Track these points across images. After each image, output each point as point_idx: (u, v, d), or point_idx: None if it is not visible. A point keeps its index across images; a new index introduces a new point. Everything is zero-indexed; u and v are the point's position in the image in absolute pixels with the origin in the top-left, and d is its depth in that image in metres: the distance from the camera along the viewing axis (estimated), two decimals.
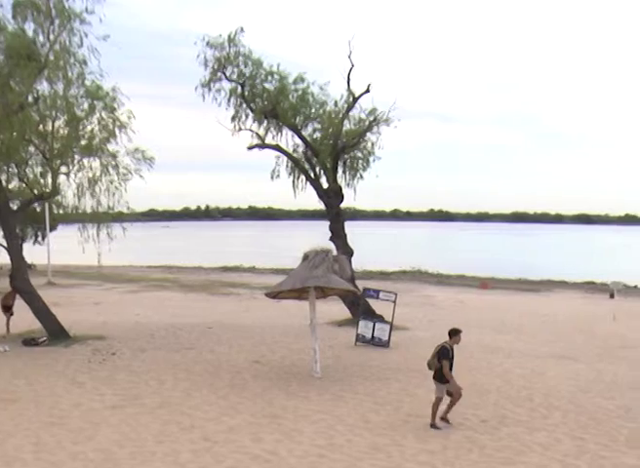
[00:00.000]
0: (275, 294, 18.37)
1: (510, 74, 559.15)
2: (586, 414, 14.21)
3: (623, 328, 28.76)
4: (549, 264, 71.65)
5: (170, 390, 15.23)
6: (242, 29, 25.67)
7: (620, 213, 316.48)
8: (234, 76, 26.11)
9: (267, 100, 26.27)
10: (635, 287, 54.49)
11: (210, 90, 26.04)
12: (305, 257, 17.42)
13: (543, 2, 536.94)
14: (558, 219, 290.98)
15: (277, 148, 27.26)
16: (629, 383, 17.49)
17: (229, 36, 25.59)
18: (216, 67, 25.85)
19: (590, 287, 54.62)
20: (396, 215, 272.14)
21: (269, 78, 26.37)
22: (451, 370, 13.06)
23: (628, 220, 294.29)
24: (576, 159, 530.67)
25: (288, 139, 27.27)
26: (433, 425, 12.90)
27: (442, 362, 12.95)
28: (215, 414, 13.30)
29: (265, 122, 26.85)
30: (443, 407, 13.25)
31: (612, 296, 44.20)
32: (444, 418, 13.19)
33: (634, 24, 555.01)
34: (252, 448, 11.34)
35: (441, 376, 13.01)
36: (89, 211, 22.66)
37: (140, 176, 22.54)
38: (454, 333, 13.51)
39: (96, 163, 22.17)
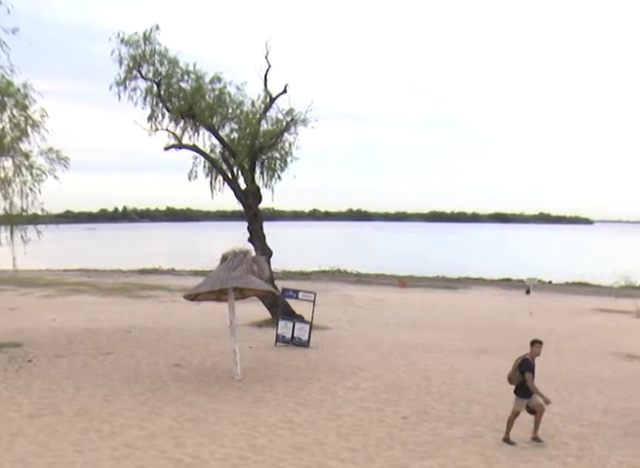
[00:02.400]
0: (194, 296, 18.19)
1: (429, 77, 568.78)
2: (505, 407, 14.47)
3: (539, 322, 29.60)
4: (467, 262, 73.06)
5: (88, 397, 14.86)
6: (157, 27, 25.31)
7: (535, 211, 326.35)
8: (150, 75, 25.68)
9: (184, 100, 25.93)
10: (550, 282, 56.13)
11: (125, 88, 25.55)
12: (224, 259, 17.30)
13: (462, 6, 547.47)
14: (475, 218, 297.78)
15: (194, 149, 26.96)
16: (545, 376, 17.87)
17: (145, 34, 25.16)
18: (131, 65, 25.36)
19: (507, 283, 56.02)
20: (315, 215, 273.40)
21: (185, 77, 26.04)
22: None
23: (542, 219, 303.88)
24: (492, 160, 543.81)
25: (205, 140, 27.02)
26: (507, 440, 12.14)
27: (526, 375, 12.10)
28: (135, 420, 13.05)
29: (182, 122, 26.50)
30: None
31: (527, 292, 45.25)
32: (535, 438, 12.25)
33: (548, 32, 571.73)
34: (174, 452, 11.18)
35: (522, 391, 12.22)
36: (1, 213, 21.85)
37: (55, 177, 21.82)
38: (533, 344, 12.62)
39: (8, 163, 21.39)
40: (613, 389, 16.76)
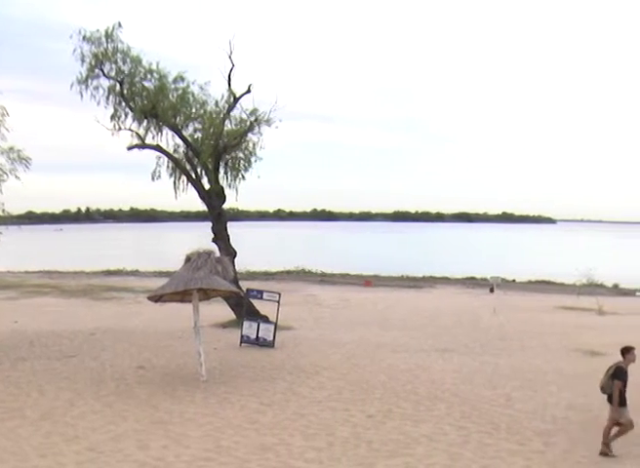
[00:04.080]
0: (158, 298, 18.04)
1: (394, 77, 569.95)
2: (470, 405, 14.67)
3: (503, 320, 29.87)
4: (431, 261, 73.51)
5: (52, 400, 14.65)
6: (120, 24, 25.03)
7: (498, 211, 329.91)
8: (112, 73, 25.40)
9: (147, 99, 25.68)
10: (513, 281, 56.75)
11: (87, 87, 25.26)
12: (188, 259, 17.19)
13: (427, 7, 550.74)
14: (439, 218, 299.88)
15: (158, 148, 26.73)
16: (509, 373, 18.21)
17: (106, 31, 24.84)
18: (93, 63, 25.06)
19: (471, 282, 56.48)
20: (279, 216, 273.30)
21: (149, 76, 25.78)
22: (625, 392, 11.78)
23: (505, 218, 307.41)
24: (456, 160, 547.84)
25: (168, 139, 26.77)
26: (606, 451, 11.60)
27: (614, 383, 11.70)
28: (100, 423, 12.90)
29: (145, 121, 26.24)
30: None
31: (491, 291, 45.79)
32: (607, 445, 11.73)
33: (510, 35, 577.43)
34: (138, 455, 11.07)
35: (620, 399, 11.73)
36: None
37: (16, 177, 21.50)
38: (627, 351, 12.05)
39: None
40: (575, 385, 16.95)
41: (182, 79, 26.22)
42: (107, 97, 25.62)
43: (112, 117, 25.87)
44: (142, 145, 26.61)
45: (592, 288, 50.35)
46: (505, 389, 16.30)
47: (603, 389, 12.02)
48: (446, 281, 57.82)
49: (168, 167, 27.20)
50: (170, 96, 26.04)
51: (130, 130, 26.25)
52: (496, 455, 11.38)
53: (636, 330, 28.02)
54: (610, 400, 11.91)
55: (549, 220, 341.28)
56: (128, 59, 25.43)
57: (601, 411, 14.40)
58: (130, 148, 26.66)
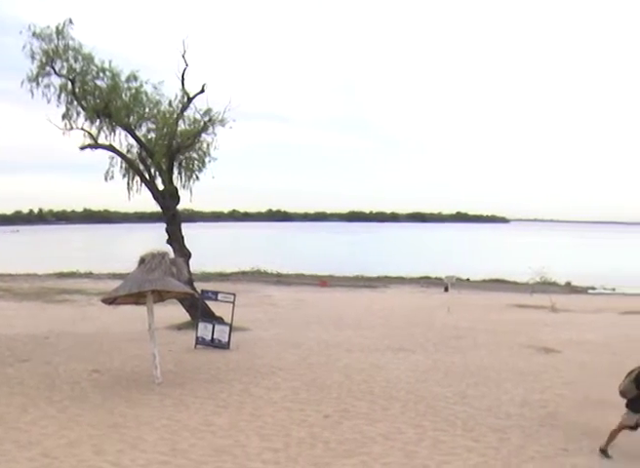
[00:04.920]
0: (112, 300, 17.81)
1: (350, 78, 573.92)
2: (425, 403, 14.76)
3: (457, 319, 30.14)
4: (386, 261, 73.97)
5: (4, 406, 14.33)
6: (71, 21, 24.55)
7: (452, 211, 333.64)
8: (64, 71, 24.88)
9: (99, 98, 25.24)
10: (468, 280, 57.36)
11: (38, 85, 24.71)
12: (142, 261, 16.99)
13: (382, 8, 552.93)
14: (394, 218, 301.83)
15: (110, 148, 26.33)
16: (464, 371, 18.36)
17: (57, 28, 24.35)
18: (44, 61, 24.49)
19: (425, 281, 56.92)
20: (234, 216, 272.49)
21: (101, 75, 25.30)
22: None
23: (459, 218, 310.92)
24: (411, 161, 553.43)
25: (122, 139, 26.30)
26: (604, 451, 11.48)
27: None
28: (54, 429, 12.66)
29: (98, 121, 25.76)
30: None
31: (446, 290, 46.12)
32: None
33: (464, 37, 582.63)
34: (94, 460, 10.90)
35: (637, 405, 11.44)
36: None
37: None
38: None
39: None
40: (529, 382, 17.17)
41: (135, 78, 25.85)
42: (59, 96, 25.08)
43: (64, 116, 25.37)
44: (95, 145, 26.20)
45: (545, 286, 51.17)
46: (460, 386, 16.44)
47: (623, 394, 11.68)
48: (400, 280, 58.17)
49: (121, 167, 26.80)
50: (123, 95, 25.63)
51: (82, 129, 25.79)
52: (451, 452, 11.47)
53: (589, 326, 28.58)
54: (628, 405, 11.62)
55: (503, 220, 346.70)
56: (80, 57, 24.94)
57: (555, 407, 14.71)
58: (82, 148, 26.22)
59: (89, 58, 25.05)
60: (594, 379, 17.69)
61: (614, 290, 57.41)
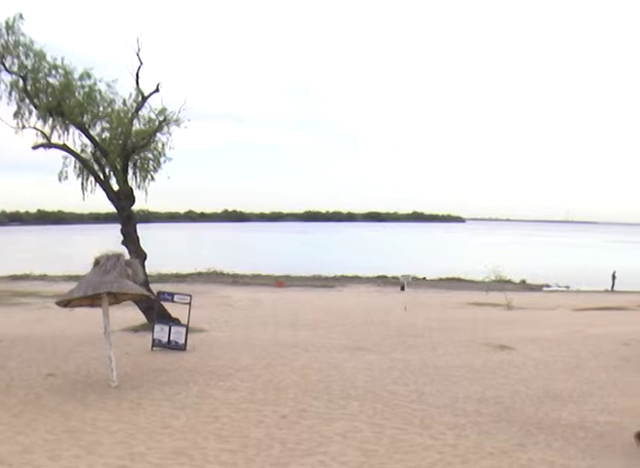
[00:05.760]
0: (67, 303, 17.56)
1: (306, 78, 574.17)
2: (382, 402, 14.81)
3: (414, 317, 30.34)
4: (342, 261, 74.21)
5: None
6: (21, 16, 24.07)
7: (408, 210, 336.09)
8: (15, 68, 24.34)
9: (52, 97, 24.78)
10: (424, 278, 57.89)
11: None
12: (97, 263, 16.76)
13: (338, 8, 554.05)
14: (350, 218, 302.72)
15: (64, 148, 25.91)
16: (420, 369, 18.48)
17: (7, 23, 23.82)
18: None
19: (382, 280, 57.35)
20: (190, 217, 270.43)
21: (53, 72, 24.80)
22: None
23: (416, 218, 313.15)
24: (367, 161, 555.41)
25: (75, 139, 25.83)
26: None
27: None
28: (8, 434, 12.39)
29: (51, 120, 25.29)
30: None
31: (402, 289, 46.52)
32: None
33: (419, 35, 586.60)
34: (49, 466, 10.69)
35: None
36: None
37: None
38: None
39: None
40: (486, 379, 17.36)
41: (89, 76, 25.39)
42: (10, 94, 24.56)
43: (15, 114, 24.83)
44: (48, 145, 25.75)
45: (501, 284, 51.85)
46: (417, 385, 16.54)
47: None
48: (357, 280, 58.50)
49: (75, 167, 26.38)
50: (76, 93, 25.17)
51: (35, 128, 25.31)
52: (409, 450, 11.52)
53: (543, 323, 29.01)
54: None
55: (459, 219, 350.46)
56: (31, 54, 24.42)
57: (511, 403, 14.88)
58: (35, 148, 25.77)
59: (40, 55, 24.57)
60: (549, 375, 17.99)
61: (568, 287, 58.51)
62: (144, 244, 26.31)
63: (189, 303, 22.24)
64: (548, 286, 59.18)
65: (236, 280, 56.66)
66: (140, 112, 26.18)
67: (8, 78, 24.47)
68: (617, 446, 12.05)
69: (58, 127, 25.45)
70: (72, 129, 25.56)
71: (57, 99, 24.63)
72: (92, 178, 26.21)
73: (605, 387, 16.73)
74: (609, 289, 56.73)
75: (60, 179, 26.32)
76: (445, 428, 12.85)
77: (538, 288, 57.40)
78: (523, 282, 59.33)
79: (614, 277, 57.33)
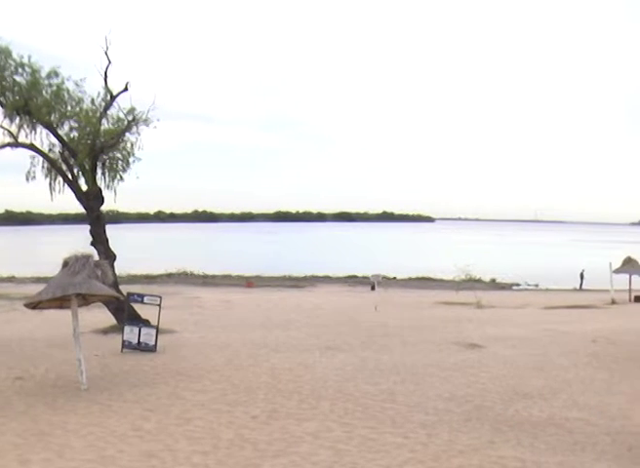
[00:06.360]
0: (35, 304, 17.38)
1: (275, 77, 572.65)
2: (353, 401, 14.83)
3: (384, 317, 30.42)
4: (313, 261, 74.24)
5: None
6: None
7: (378, 210, 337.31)
8: None
9: (19, 95, 24.43)
10: (394, 278, 58.07)
11: None
12: (65, 264, 16.60)
13: (307, 8, 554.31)
14: (320, 218, 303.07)
15: (32, 148, 25.61)
16: (391, 368, 18.52)
17: None
18: None
19: (352, 280, 57.51)
20: (160, 217, 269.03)
21: (20, 70, 24.47)
22: None
23: (386, 217, 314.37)
24: (337, 161, 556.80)
25: (43, 138, 25.55)
26: None
27: None
28: None
29: (18, 119, 24.98)
30: None
31: (373, 288, 46.60)
32: None
33: (387, 35, 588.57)
34: None
35: None
36: None
37: None
38: None
39: None
40: (456, 377, 17.45)
41: (57, 74, 25.09)
42: None
43: None
44: (15, 144, 25.42)
45: (471, 283, 52.20)
46: (388, 384, 16.58)
47: None
48: (327, 280, 58.60)
49: (43, 167, 26.11)
50: (43, 92, 24.85)
51: (1, 127, 25.00)
52: (381, 449, 11.54)
53: (513, 322, 29.25)
54: None
55: (428, 219, 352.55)
56: None
57: (481, 401, 14.98)
58: (2, 147, 25.41)
59: (6, 53, 24.22)
60: (519, 373, 18.13)
61: (537, 285, 59.10)
62: (114, 245, 26.13)
63: (159, 304, 22.11)
64: (518, 284, 59.69)
65: (206, 281, 56.50)
66: (108, 111, 25.99)
67: None
68: (586, 442, 12.17)
69: (25, 126, 25.14)
70: (40, 128, 25.30)
71: (24, 98, 24.34)
72: (60, 178, 25.97)
73: (574, 384, 16.90)
74: (577, 287, 57.34)
75: (27, 179, 26.10)
76: (416, 427, 12.89)
77: (507, 286, 57.90)
78: (493, 281, 59.78)
79: (582, 276, 57.95)
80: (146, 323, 22.54)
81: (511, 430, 12.80)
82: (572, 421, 13.54)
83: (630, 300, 41.47)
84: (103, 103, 25.90)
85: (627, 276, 42.70)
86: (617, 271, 42.32)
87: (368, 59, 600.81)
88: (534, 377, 17.68)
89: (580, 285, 57.69)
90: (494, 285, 57.69)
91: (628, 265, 43.02)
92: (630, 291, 42.27)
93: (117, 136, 25.82)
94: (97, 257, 18.99)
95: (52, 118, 25.17)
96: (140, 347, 21.30)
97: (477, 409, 14.32)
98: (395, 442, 11.95)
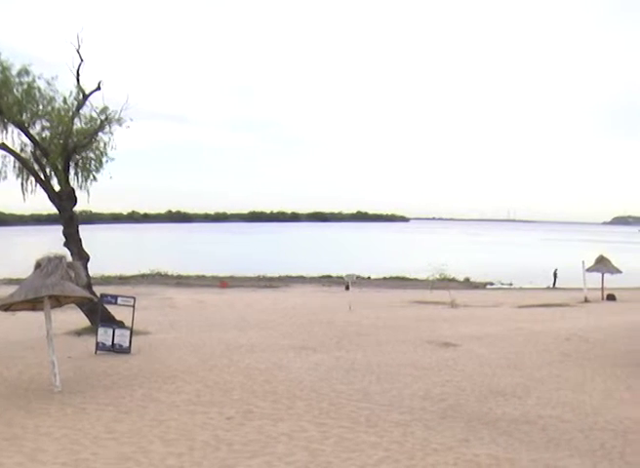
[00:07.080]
0: (7, 306, 17.20)
1: (250, 79, 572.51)
2: (328, 401, 14.84)
3: (359, 316, 30.47)
4: (287, 261, 74.21)
5: None
6: None
7: (353, 210, 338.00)
8: None
9: None
10: (369, 278, 58.21)
11: None
12: (38, 265, 16.44)
13: (283, 8, 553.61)
14: (295, 218, 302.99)
15: (3, 147, 25.33)
16: (366, 367, 18.57)
17: None
18: None
19: (327, 280, 57.53)
20: (134, 218, 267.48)
21: None
22: None
23: (360, 217, 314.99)
24: (312, 161, 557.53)
25: (14, 138, 25.29)
26: None
27: None
28: None
29: None
30: None
31: (347, 288, 46.75)
32: None
33: (363, 36, 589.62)
34: None
35: None
36: None
37: None
38: None
39: None
40: (430, 376, 17.53)
41: (27, 73, 24.77)
42: None
43: None
44: None
45: (445, 282, 52.35)
46: (362, 383, 16.62)
47: None
48: (302, 280, 58.58)
49: (15, 167, 25.81)
50: (14, 90, 24.55)
51: None
52: (356, 448, 11.56)
53: (487, 321, 29.45)
54: None
55: (402, 218, 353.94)
56: None
57: (456, 400, 15.07)
58: None
59: None
60: (493, 371, 18.26)
61: (511, 284, 59.54)
62: (87, 245, 25.94)
63: (133, 305, 21.99)
64: (492, 283, 60.09)
65: (180, 281, 56.28)
66: (81, 111, 25.75)
67: None
68: (560, 439, 12.30)
69: None
70: (11, 127, 25.02)
71: None
72: (32, 179, 25.71)
73: (547, 382, 17.06)
74: (550, 286, 57.86)
75: None
76: (391, 426, 12.94)
77: (481, 285, 58.26)
78: (467, 280, 60.11)
79: (555, 275, 58.49)
80: (120, 324, 22.41)
81: (486, 428, 12.90)
82: (545, 418, 13.67)
83: (603, 298, 41.96)
84: (76, 102, 25.65)
85: (600, 274, 43.17)
86: (589, 270, 42.78)
87: (340, 61, 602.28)
88: (508, 375, 17.81)
89: (554, 283, 58.23)
90: (468, 284, 58.03)
91: (601, 264, 43.54)
92: (603, 289, 42.74)
93: (90, 135, 25.61)
94: (70, 258, 18.81)
95: (23, 117, 24.90)
96: (115, 349, 21.16)
97: (452, 408, 14.40)
98: (370, 441, 11.99)
